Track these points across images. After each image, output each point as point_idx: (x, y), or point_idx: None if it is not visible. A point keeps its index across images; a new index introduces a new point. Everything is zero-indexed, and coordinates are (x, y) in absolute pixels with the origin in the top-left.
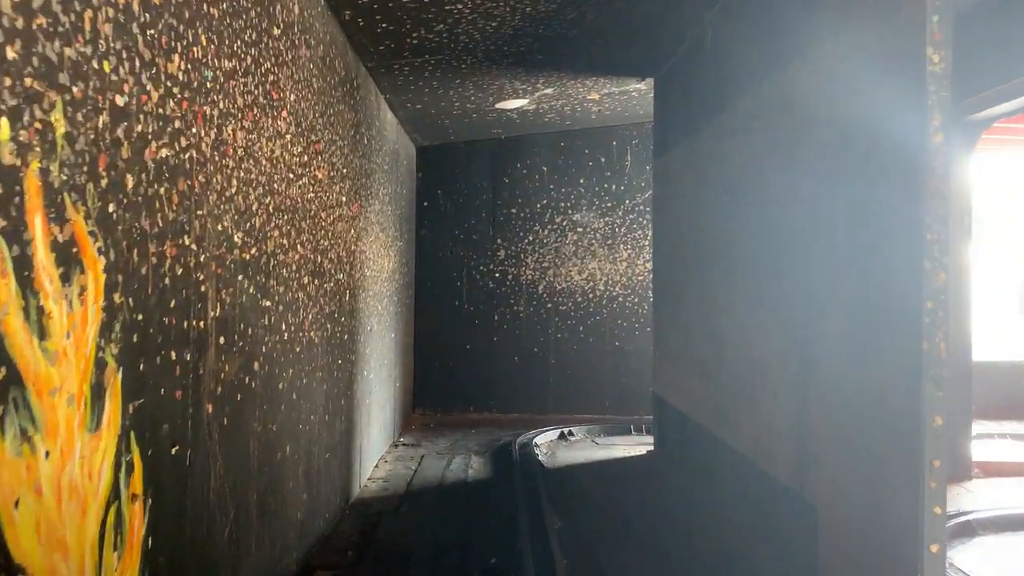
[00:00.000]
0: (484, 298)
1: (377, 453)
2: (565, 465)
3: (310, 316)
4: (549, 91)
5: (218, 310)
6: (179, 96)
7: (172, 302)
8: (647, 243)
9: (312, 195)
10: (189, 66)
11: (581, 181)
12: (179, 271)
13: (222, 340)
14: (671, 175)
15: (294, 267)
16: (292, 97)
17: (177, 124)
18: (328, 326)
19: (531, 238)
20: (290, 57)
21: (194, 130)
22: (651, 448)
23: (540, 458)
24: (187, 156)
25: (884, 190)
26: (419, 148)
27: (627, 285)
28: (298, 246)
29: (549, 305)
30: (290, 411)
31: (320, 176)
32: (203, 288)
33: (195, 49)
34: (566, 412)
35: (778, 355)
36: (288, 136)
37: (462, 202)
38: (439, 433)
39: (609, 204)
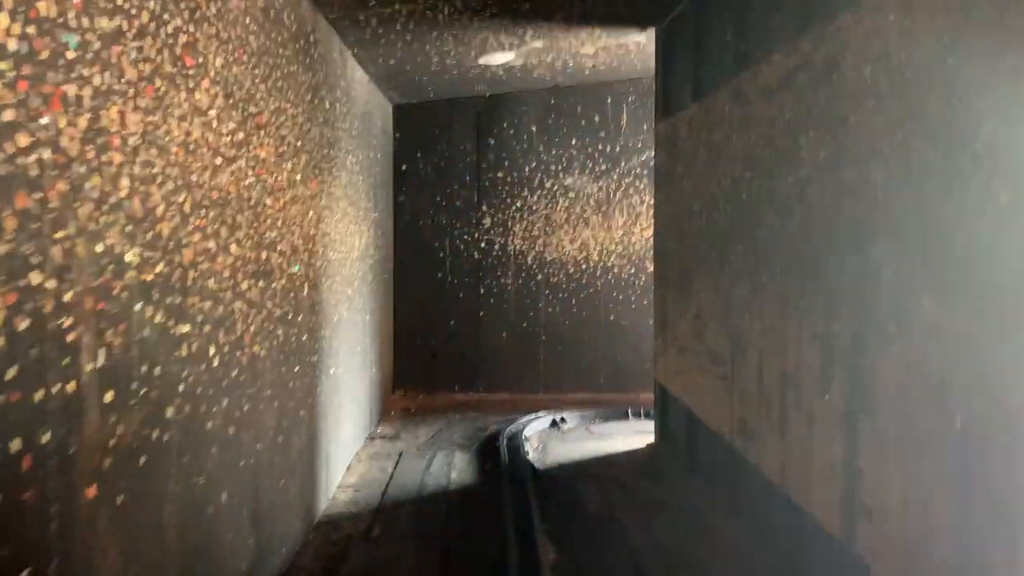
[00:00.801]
0: (469, 270)
1: (350, 452)
2: (558, 465)
3: (252, 327)
4: (538, 44)
5: (101, 359)
6: (10, 75)
7: (11, 371)
8: (644, 209)
9: (252, 179)
10: (30, 30)
11: (573, 142)
12: (22, 325)
13: (110, 396)
14: (678, 142)
15: (227, 274)
16: (218, 62)
17: (8, 115)
18: (280, 331)
19: (519, 204)
20: (213, 11)
21: (45, 120)
22: (651, 441)
23: (531, 455)
24: (32, 159)
25: (993, 188)
26: (395, 106)
27: (623, 255)
28: (232, 246)
29: (539, 277)
30: (226, 451)
31: (264, 155)
32: (72, 336)
33: (40, 6)
34: (558, 391)
35: (814, 373)
36: (213, 112)
37: (444, 166)
38: (420, 420)
39: (603, 167)
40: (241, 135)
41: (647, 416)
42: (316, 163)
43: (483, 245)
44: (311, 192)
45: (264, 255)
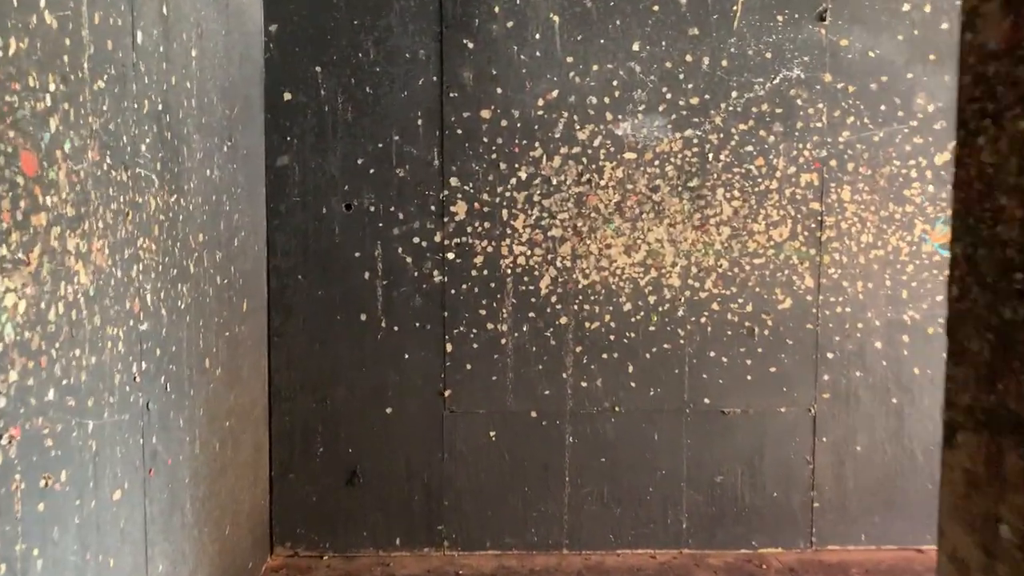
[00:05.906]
0: (422, 306)
1: None
2: None
3: None
4: None
5: None
6: None
7: None
8: (776, 185)
9: None
10: None
11: (634, 48)
12: None
13: None
14: None
15: None
16: None
17: None
18: None
19: (524, 175)
20: None
21: None
22: None
23: None
24: None
25: None
26: None
27: (730, 277)
28: None
29: (563, 319)
30: None
31: None
32: None
33: None
34: (598, 547)
35: None
36: None
37: (371, 94)
38: None
39: (695, 100)
40: None
41: None
42: None
43: (452, 256)
44: None
45: None
